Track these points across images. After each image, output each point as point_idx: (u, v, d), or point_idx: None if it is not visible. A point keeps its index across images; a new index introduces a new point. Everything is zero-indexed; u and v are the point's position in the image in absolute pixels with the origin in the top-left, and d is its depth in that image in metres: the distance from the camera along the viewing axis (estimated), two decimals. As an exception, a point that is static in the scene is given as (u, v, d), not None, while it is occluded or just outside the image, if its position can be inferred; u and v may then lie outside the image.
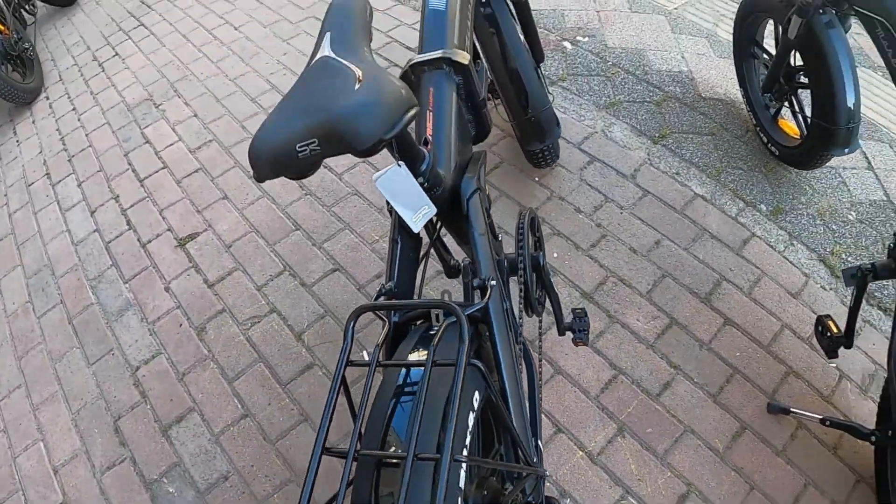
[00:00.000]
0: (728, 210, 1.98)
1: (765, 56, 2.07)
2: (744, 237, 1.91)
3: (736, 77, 2.21)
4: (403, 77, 1.23)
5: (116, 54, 3.19)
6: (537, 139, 1.91)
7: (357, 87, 0.84)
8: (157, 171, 2.45)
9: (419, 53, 1.24)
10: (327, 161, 2.23)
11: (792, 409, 1.55)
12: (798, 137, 1.98)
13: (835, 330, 1.51)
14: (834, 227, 1.94)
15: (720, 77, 2.39)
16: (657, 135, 2.19)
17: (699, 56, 2.48)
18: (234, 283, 2.03)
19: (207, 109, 2.65)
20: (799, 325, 1.72)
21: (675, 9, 2.70)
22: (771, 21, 1.93)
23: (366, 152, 0.84)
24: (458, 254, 1.45)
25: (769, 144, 2.08)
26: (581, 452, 1.55)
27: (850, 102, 1.65)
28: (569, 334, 1.40)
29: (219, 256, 2.11)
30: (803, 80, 1.88)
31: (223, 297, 2.00)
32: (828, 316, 1.54)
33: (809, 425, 1.55)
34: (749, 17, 2.02)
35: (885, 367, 1.45)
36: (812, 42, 1.68)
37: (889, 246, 1.38)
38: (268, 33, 2.99)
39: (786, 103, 2.01)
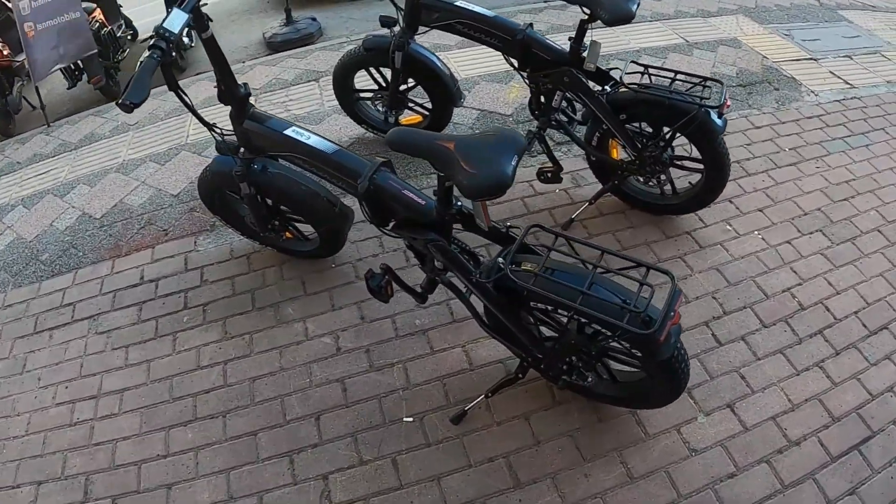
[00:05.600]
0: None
1: (362, 96, 2.98)
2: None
3: (353, 121, 3.09)
4: None
5: None
6: None
7: None
8: None
9: None
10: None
11: (572, 217, 2.59)
12: (422, 119, 2.97)
13: (549, 167, 2.53)
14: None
15: (336, 132, 3.23)
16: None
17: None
18: None
19: None
20: (530, 182, 2.77)
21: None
22: (362, 70, 2.82)
23: None
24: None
25: (410, 138, 3.03)
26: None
27: (450, 74, 2.70)
28: None
29: None
30: (410, 84, 2.79)
31: None
32: (540, 167, 2.55)
33: (585, 211, 2.63)
34: (344, 80, 2.89)
35: (584, 156, 2.57)
36: (412, 61, 2.62)
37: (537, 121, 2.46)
38: None
39: (404, 109, 2.96)
